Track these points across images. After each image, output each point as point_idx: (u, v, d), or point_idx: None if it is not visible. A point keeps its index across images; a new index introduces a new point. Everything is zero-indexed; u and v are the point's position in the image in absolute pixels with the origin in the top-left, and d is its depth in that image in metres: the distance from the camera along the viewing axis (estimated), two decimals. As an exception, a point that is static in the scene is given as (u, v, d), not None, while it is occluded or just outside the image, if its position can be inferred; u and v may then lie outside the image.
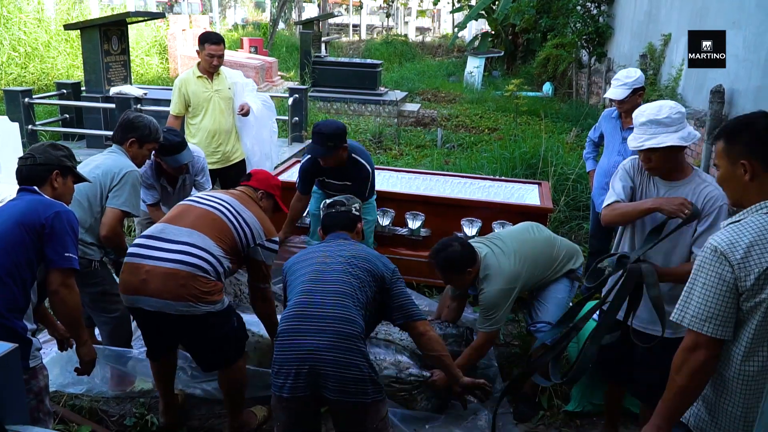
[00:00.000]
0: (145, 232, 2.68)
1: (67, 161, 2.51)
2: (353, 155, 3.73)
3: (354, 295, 2.28)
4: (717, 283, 1.67)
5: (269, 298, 2.85)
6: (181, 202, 2.84)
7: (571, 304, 3.10)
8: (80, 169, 2.76)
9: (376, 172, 5.04)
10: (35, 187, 2.39)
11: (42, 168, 2.42)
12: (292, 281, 2.42)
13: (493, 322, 2.94)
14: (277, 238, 2.85)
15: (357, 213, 2.74)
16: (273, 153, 5.39)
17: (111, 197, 2.98)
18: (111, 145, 3.24)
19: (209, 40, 4.60)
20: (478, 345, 3.00)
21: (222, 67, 4.74)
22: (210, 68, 4.61)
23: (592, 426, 3.08)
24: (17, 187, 2.46)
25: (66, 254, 2.28)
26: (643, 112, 2.41)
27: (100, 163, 3.05)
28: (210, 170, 4.23)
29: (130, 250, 2.60)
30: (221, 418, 2.96)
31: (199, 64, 4.66)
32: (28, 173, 2.42)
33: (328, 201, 2.75)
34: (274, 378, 2.24)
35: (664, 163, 2.40)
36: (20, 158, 2.46)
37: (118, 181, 2.99)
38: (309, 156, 3.81)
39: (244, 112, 4.71)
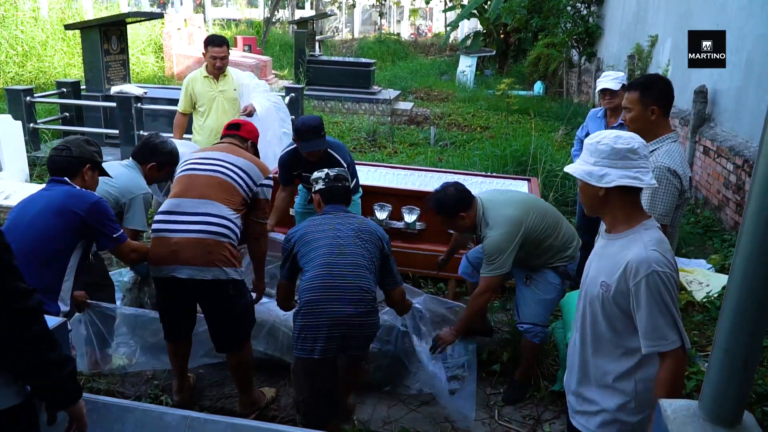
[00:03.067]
0: (162, 208, 2.87)
1: (97, 157, 2.73)
2: (328, 150, 3.79)
3: (366, 265, 2.63)
4: (673, 191, 2.48)
5: (266, 234, 3.13)
6: (183, 173, 2.94)
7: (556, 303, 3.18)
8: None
9: (374, 169, 5.27)
10: (66, 178, 2.59)
11: (76, 160, 2.63)
12: (307, 252, 2.64)
13: (496, 266, 2.92)
14: (271, 175, 3.08)
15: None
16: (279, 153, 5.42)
17: (126, 219, 3.16)
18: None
19: (212, 42, 4.80)
20: (479, 292, 2.99)
21: (230, 68, 4.93)
22: (214, 70, 4.80)
23: (577, 405, 3.30)
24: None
25: (114, 236, 2.61)
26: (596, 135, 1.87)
27: (118, 175, 3.17)
28: None
29: (154, 226, 2.82)
30: (231, 398, 3.16)
31: (206, 65, 4.86)
32: (62, 164, 2.61)
33: (331, 173, 2.82)
34: (302, 343, 2.50)
35: (584, 200, 1.91)
36: (55, 149, 2.66)
37: (129, 206, 3.17)
38: (288, 149, 3.90)
39: (248, 113, 4.91)
